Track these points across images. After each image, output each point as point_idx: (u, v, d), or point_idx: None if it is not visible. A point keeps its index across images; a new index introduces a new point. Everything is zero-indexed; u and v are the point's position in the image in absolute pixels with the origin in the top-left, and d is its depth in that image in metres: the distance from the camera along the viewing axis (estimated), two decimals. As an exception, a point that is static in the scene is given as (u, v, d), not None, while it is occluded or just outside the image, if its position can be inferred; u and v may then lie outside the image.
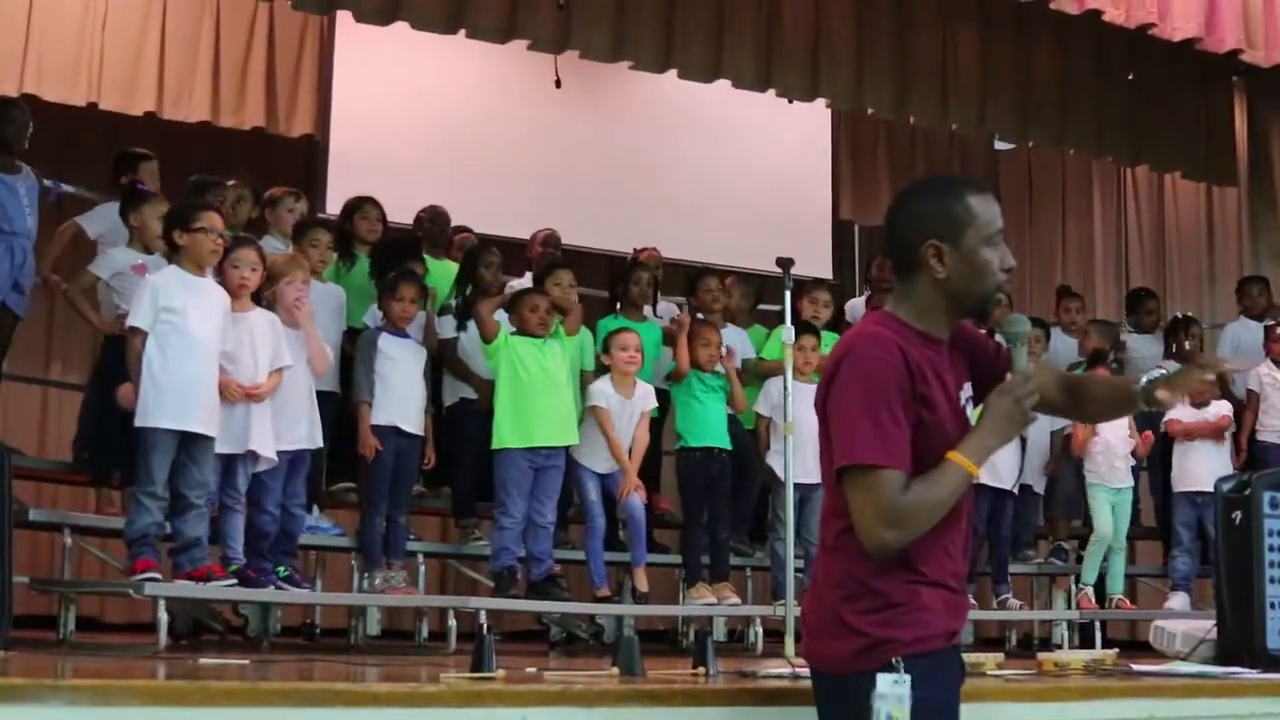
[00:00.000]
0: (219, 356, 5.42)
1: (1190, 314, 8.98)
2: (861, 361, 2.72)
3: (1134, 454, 7.82)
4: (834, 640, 2.76)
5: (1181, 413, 7.91)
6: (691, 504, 6.96)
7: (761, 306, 8.10)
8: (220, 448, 5.43)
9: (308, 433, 5.92)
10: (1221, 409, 7.92)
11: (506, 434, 6.29)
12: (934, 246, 2.78)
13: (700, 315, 7.40)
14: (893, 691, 2.65)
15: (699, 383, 6.92)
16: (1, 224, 6.12)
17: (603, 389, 6.62)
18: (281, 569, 5.77)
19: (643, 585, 6.57)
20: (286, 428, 5.78)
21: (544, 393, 6.34)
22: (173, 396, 5.23)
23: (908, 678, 2.66)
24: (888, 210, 2.96)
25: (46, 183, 6.65)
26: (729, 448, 6.95)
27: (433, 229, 7.55)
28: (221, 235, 5.48)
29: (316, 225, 6.80)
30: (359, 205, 7.13)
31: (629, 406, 6.63)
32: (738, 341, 7.42)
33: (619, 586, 6.90)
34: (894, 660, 2.68)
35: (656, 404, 6.80)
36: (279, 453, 5.72)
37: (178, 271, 5.41)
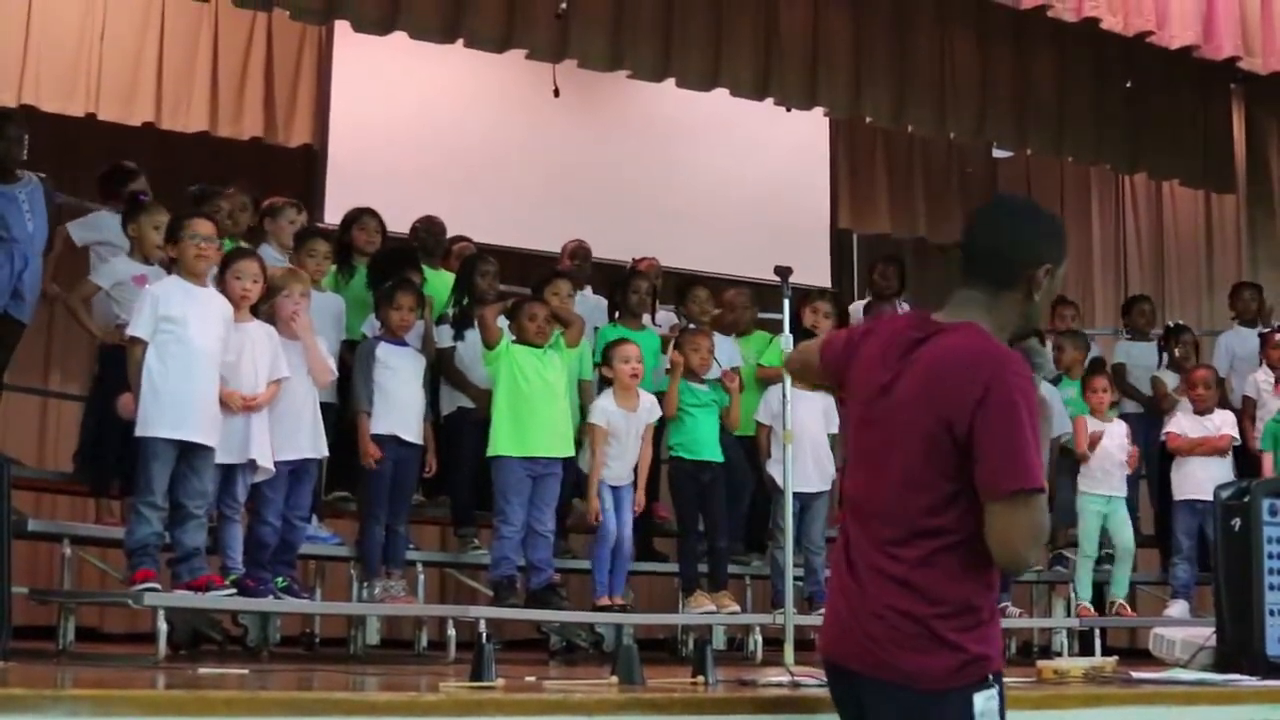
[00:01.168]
0: (220, 366, 5.42)
1: (1182, 322, 8.98)
2: (1019, 381, 2.74)
3: (1127, 462, 7.80)
4: (928, 656, 2.74)
5: (1184, 427, 7.90)
6: (684, 513, 6.95)
7: (761, 315, 8.09)
8: (219, 457, 5.42)
9: (311, 443, 5.91)
10: (1225, 425, 7.90)
11: (503, 442, 6.27)
12: (1048, 270, 2.87)
13: (691, 325, 7.37)
14: (988, 707, 2.74)
15: (690, 395, 6.88)
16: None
17: (605, 406, 6.56)
18: (280, 579, 5.76)
19: (621, 600, 6.55)
20: (288, 438, 5.78)
21: (542, 403, 6.32)
22: (172, 406, 5.24)
23: (997, 691, 2.76)
24: (987, 222, 2.95)
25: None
26: (721, 460, 6.92)
27: (428, 238, 7.52)
28: (208, 240, 5.45)
29: (314, 235, 6.77)
30: (357, 217, 7.11)
31: (633, 420, 6.58)
32: (729, 352, 7.35)
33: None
34: (990, 676, 2.75)
35: (659, 414, 6.74)
36: (282, 463, 5.72)
37: (179, 281, 5.42)
